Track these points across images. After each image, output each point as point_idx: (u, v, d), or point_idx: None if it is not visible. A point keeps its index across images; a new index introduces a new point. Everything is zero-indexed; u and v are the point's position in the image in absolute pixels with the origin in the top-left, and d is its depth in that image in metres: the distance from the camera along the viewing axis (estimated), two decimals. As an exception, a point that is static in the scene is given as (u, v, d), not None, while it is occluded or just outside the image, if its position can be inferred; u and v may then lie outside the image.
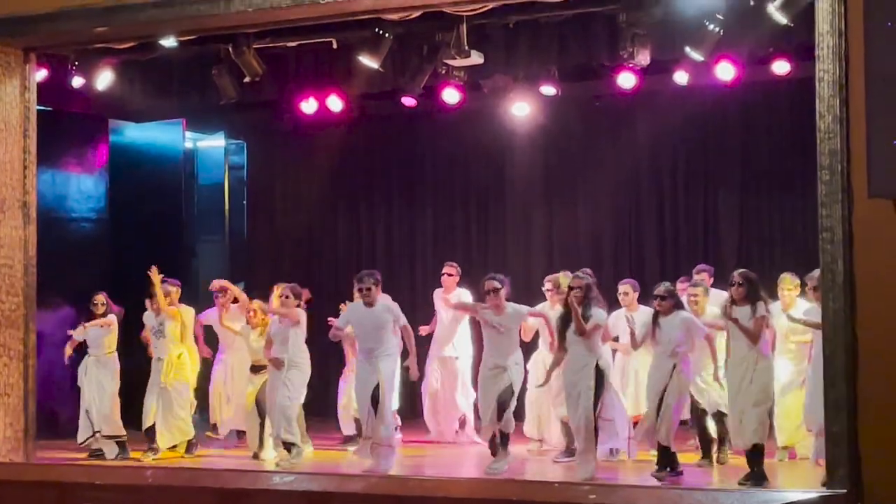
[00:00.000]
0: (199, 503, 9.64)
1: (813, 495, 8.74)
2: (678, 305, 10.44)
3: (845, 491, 8.57)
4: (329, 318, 11.98)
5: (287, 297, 11.62)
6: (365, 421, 11.13)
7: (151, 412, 12.19)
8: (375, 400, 10.88)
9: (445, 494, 9.30)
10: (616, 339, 11.52)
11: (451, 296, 12.82)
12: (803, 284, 10.80)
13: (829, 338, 8.81)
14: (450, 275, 13.01)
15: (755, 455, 9.84)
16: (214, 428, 13.01)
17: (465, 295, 12.73)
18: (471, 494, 9.36)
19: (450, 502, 9.05)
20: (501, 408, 10.55)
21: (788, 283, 11.06)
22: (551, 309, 11.55)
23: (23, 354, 11.56)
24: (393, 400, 11.61)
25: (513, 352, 10.74)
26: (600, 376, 10.29)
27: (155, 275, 12.19)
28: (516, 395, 10.72)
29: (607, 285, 11.91)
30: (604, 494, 8.94)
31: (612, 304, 11.39)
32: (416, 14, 10.89)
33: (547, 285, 11.88)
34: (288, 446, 11.53)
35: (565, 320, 10.41)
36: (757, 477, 9.72)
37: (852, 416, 8.72)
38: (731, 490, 9.10)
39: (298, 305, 11.66)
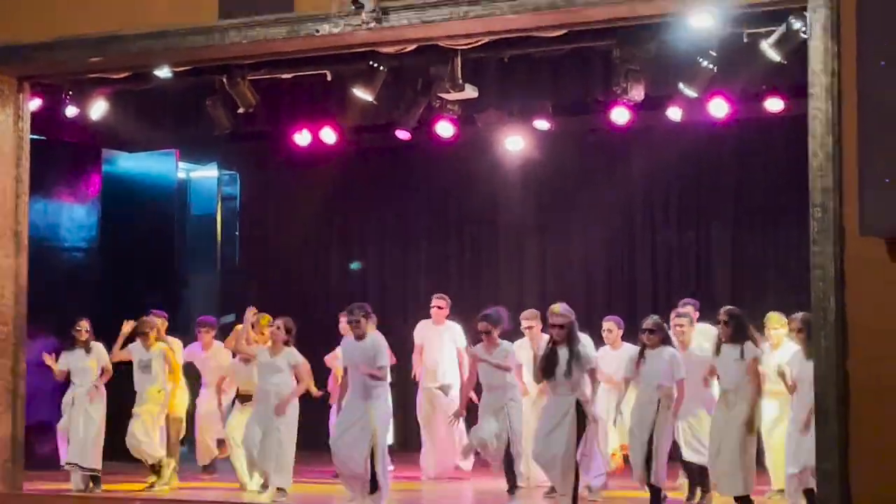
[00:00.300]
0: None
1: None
2: (666, 340, 10.36)
3: (836, 529, 8.53)
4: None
5: (278, 328, 11.55)
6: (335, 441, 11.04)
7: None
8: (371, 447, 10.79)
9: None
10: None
11: (443, 328, 12.80)
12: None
13: (821, 375, 8.80)
14: (439, 307, 12.97)
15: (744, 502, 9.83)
16: (207, 469, 12.94)
17: (458, 331, 12.72)
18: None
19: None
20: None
21: (776, 321, 10.92)
22: (532, 345, 11.51)
23: (12, 384, 11.51)
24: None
25: (509, 389, 10.81)
26: (581, 413, 10.19)
27: (127, 326, 12.17)
28: (519, 433, 10.76)
29: (599, 318, 11.91)
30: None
31: (597, 339, 11.38)
32: (411, 47, 10.92)
33: (525, 323, 11.82)
34: (280, 489, 11.46)
35: (550, 360, 10.25)
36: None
37: (843, 455, 8.69)
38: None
39: (287, 342, 11.57)
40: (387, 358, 10.96)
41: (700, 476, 10.63)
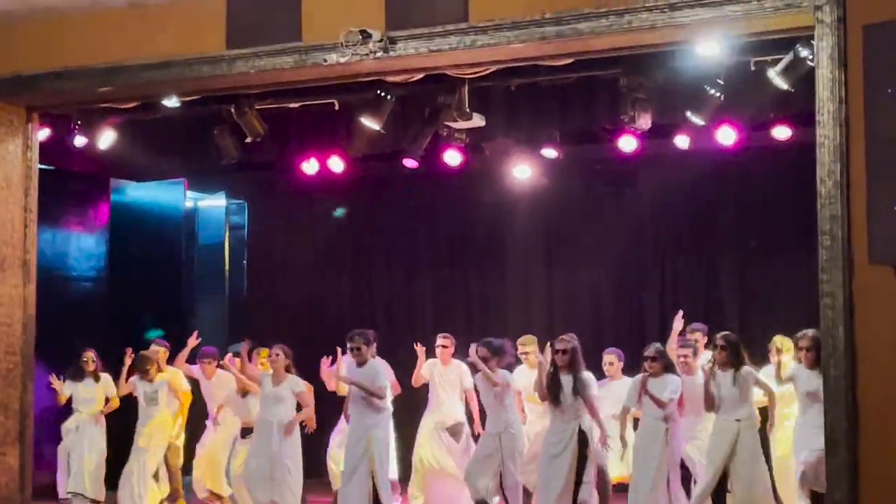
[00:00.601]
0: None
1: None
2: (668, 368, 10.36)
3: (847, 559, 8.48)
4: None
5: (277, 355, 11.55)
6: (343, 485, 11.00)
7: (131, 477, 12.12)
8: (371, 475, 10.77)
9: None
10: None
11: (449, 368, 12.67)
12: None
13: (830, 405, 8.76)
14: (444, 346, 12.74)
15: None
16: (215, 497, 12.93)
17: (465, 370, 12.64)
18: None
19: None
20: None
21: (780, 343, 10.96)
22: (531, 370, 11.52)
23: (20, 414, 11.50)
24: (391, 468, 11.55)
25: (508, 417, 10.77)
26: (584, 439, 10.21)
27: (129, 358, 12.16)
28: (517, 461, 10.70)
29: (607, 347, 11.90)
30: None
31: (598, 373, 11.37)
32: (419, 76, 10.93)
33: (521, 349, 11.81)
34: None
35: (553, 385, 10.28)
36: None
37: (853, 484, 8.65)
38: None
39: (287, 367, 11.57)
40: (384, 379, 11.00)
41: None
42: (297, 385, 11.53)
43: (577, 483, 10.16)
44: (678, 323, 11.50)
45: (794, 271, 13.83)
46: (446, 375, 12.68)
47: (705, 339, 11.56)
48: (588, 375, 10.31)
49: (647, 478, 10.08)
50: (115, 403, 12.16)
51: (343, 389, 12.11)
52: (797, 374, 10.11)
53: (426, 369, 12.75)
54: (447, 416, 12.62)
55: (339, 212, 15.84)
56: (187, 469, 13.05)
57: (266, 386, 11.54)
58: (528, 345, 11.75)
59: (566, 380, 10.15)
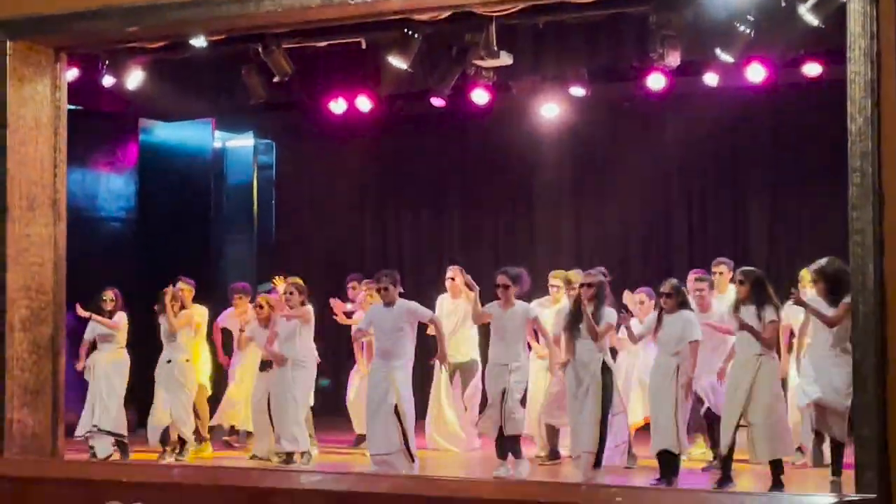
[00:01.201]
0: (225, 501, 9.65)
1: (842, 499, 8.68)
2: (683, 304, 10.34)
3: (875, 496, 8.50)
4: (332, 300, 12.00)
5: (291, 293, 11.63)
6: (368, 426, 11.07)
7: (161, 414, 12.19)
8: (396, 412, 10.82)
9: (474, 495, 9.27)
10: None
11: (459, 302, 12.60)
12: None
13: (859, 341, 8.75)
14: (453, 279, 12.66)
15: (775, 468, 9.77)
16: (232, 431, 13.00)
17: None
18: (499, 496, 9.31)
19: (477, 503, 9.03)
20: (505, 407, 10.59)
21: (808, 278, 10.94)
22: (554, 305, 11.54)
23: (52, 352, 11.61)
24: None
25: (519, 351, 10.74)
26: (608, 374, 10.25)
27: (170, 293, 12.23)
28: (520, 395, 10.72)
29: (636, 284, 11.90)
30: (630, 497, 8.90)
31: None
32: (446, 14, 10.87)
33: (553, 281, 11.82)
34: (289, 454, 11.53)
35: (576, 317, 10.33)
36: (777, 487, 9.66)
37: (882, 421, 8.65)
38: (758, 494, 9.05)
39: (303, 302, 11.67)
40: (428, 310, 11.03)
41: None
42: (306, 314, 11.69)
43: (605, 415, 10.23)
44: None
45: (824, 208, 13.76)
46: (456, 310, 12.61)
47: (731, 274, 11.52)
48: (609, 310, 10.33)
49: (668, 415, 10.11)
50: (123, 343, 12.29)
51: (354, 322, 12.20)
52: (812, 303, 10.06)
53: (437, 305, 12.61)
54: (457, 353, 12.52)
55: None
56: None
57: (279, 322, 11.65)
58: (559, 279, 11.80)
59: (588, 311, 10.20)
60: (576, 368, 10.34)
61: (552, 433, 11.61)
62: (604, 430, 10.22)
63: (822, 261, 9.83)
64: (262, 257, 17.00)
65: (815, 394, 9.65)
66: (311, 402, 12.07)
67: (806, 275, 10.95)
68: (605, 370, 10.27)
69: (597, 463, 10.26)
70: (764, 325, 9.80)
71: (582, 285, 10.41)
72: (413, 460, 10.71)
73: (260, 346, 12.14)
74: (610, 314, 10.32)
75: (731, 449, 9.89)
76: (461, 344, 12.58)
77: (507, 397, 10.54)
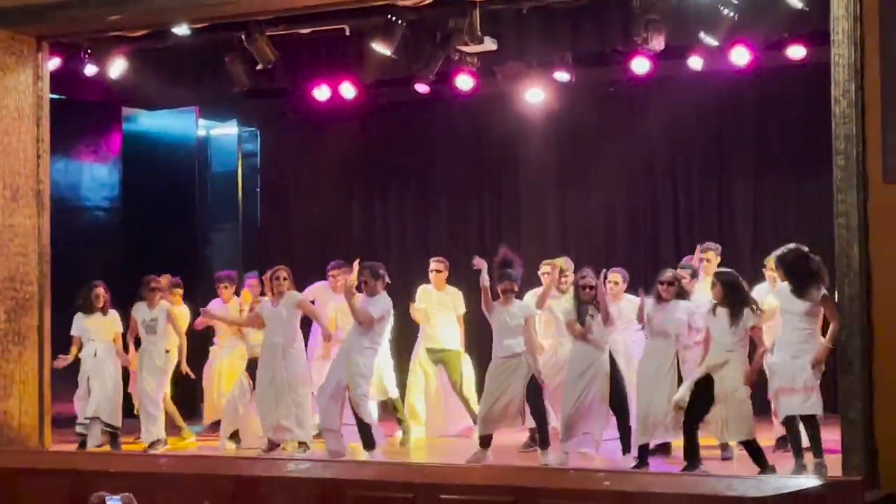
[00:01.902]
0: (213, 490, 9.64)
1: (827, 481, 8.71)
2: (682, 294, 10.40)
3: (860, 478, 8.54)
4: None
5: (276, 279, 11.63)
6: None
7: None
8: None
9: (461, 481, 9.29)
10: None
11: (443, 294, 12.62)
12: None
13: (845, 324, 8.78)
14: (438, 271, 12.64)
15: (750, 449, 9.78)
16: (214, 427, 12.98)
17: (458, 297, 12.62)
18: (487, 481, 9.34)
19: (465, 489, 9.04)
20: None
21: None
22: (548, 290, 11.60)
23: (38, 343, 11.59)
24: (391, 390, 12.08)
25: (521, 344, 10.82)
26: (614, 363, 10.44)
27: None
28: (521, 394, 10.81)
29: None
30: (618, 481, 8.93)
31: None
32: (429, 0, 10.87)
33: (544, 268, 11.84)
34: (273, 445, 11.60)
35: (582, 313, 10.50)
36: (763, 468, 9.65)
37: (868, 403, 8.69)
38: (746, 477, 9.06)
39: (289, 289, 11.69)
40: (378, 311, 11.06)
41: None
42: (294, 297, 11.66)
43: (620, 408, 10.38)
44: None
45: (808, 191, 13.79)
46: (441, 300, 12.60)
47: (718, 259, 11.52)
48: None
49: (662, 400, 10.14)
50: (119, 342, 12.26)
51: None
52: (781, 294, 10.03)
53: (419, 296, 12.67)
54: (443, 342, 12.58)
55: None
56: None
57: (265, 309, 11.61)
58: (551, 266, 11.85)
59: (592, 311, 10.40)
60: (575, 361, 10.48)
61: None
62: (624, 417, 10.32)
63: (782, 249, 9.75)
64: (247, 245, 16.95)
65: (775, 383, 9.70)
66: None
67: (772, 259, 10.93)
68: (613, 362, 10.46)
69: (625, 449, 10.42)
70: (736, 329, 9.76)
71: (584, 287, 10.52)
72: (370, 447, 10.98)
73: (247, 339, 12.10)
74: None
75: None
76: (447, 334, 12.59)
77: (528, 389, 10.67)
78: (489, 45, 11.91)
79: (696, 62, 12.86)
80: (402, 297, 12.61)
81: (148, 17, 11.13)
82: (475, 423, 12.06)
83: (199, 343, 13.07)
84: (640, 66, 12.82)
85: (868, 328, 8.68)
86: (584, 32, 12.41)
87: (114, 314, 12.26)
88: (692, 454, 9.85)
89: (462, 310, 12.60)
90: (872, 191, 8.64)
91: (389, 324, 11.54)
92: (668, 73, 13.45)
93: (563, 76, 13.38)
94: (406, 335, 13.05)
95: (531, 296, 11.71)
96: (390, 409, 12.47)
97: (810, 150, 13.32)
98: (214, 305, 12.91)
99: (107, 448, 12.03)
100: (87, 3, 10.80)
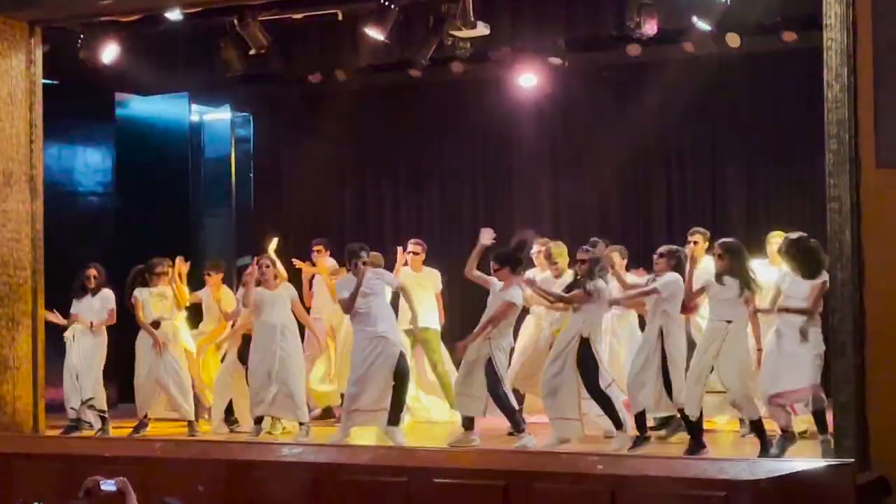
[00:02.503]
0: (208, 475, 9.66)
1: (820, 464, 8.75)
2: (677, 267, 10.30)
3: (853, 460, 8.57)
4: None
5: (267, 265, 11.68)
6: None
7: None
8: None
9: (454, 465, 9.31)
10: None
11: (422, 276, 12.70)
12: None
13: (837, 307, 8.81)
14: (416, 253, 12.74)
15: (758, 432, 9.80)
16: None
17: (436, 277, 12.69)
18: (479, 465, 9.36)
19: (458, 473, 9.06)
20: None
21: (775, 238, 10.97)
22: (541, 273, 11.59)
23: (31, 328, 11.59)
24: None
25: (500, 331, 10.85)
26: (585, 346, 10.31)
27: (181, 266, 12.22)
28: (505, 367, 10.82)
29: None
30: (611, 464, 8.96)
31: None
32: (422, -15, 10.88)
33: (535, 247, 11.85)
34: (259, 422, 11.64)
35: (569, 290, 10.50)
36: (764, 447, 9.70)
37: (860, 386, 8.72)
38: (738, 459, 9.10)
39: (275, 276, 11.73)
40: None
41: None
42: (291, 291, 11.73)
43: (591, 389, 10.31)
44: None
45: (801, 176, 13.80)
46: (419, 281, 12.63)
47: (707, 244, 11.49)
48: (601, 284, 10.38)
49: (651, 376, 10.14)
50: (113, 319, 12.23)
51: None
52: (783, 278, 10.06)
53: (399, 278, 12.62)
54: (423, 321, 12.46)
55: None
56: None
57: (263, 292, 11.64)
58: (543, 246, 11.85)
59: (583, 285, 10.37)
60: (560, 338, 10.49)
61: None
62: (605, 399, 10.28)
63: (793, 234, 9.82)
64: (240, 231, 16.96)
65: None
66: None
67: (774, 235, 10.98)
68: (584, 342, 10.31)
69: (617, 425, 10.30)
70: (742, 299, 9.81)
71: (577, 261, 10.53)
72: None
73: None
74: (597, 286, 10.35)
75: (700, 415, 9.94)
76: (426, 315, 12.57)
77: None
78: (482, 29, 11.90)
79: (688, 47, 12.87)
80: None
81: (140, 2, 11.13)
82: (451, 406, 12.25)
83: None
84: (634, 50, 12.84)
85: (860, 312, 8.71)
86: (576, 17, 12.42)
87: (106, 293, 12.22)
88: (696, 434, 9.86)
89: (440, 286, 12.64)
90: (865, 175, 8.66)
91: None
92: (662, 57, 13.47)
93: (556, 61, 13.39)
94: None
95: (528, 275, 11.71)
96: None
97: (803, 134, 13.33)
98: (202, 293, 12.92)
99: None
100: (80, -13, 10.79)
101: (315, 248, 13.05)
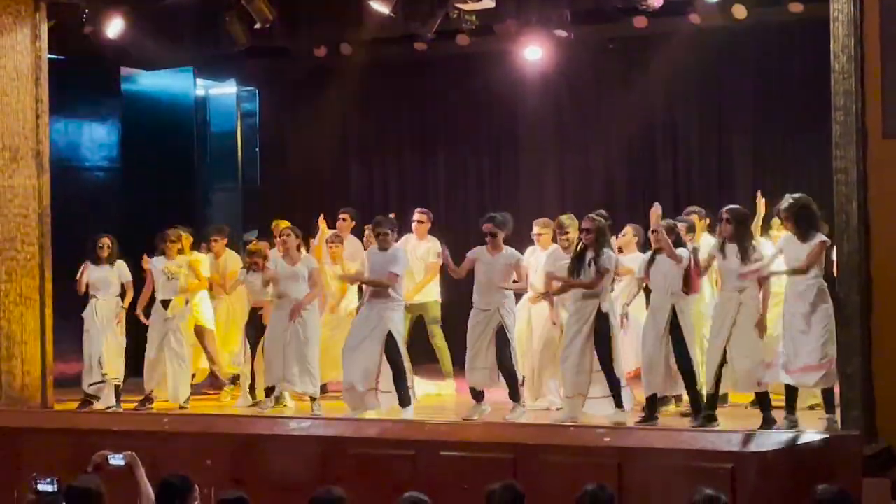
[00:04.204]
0: (216, 449, 9.71)
1: (826, 436, 8.76)
2: (677, 243, 10.16)
3: (858, 432, 8.60)
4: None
5: (288, 235, 11.65)
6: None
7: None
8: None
9: (461, 438, 9.34)
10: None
11: (423, 244, 12.57)
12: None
13: (843, 279, 8.81)
14: (420, 221, 12.64)
15: (761, 402, 9.73)
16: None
17: (433, 246, 12.46)
18: (486, 438, 9.39)
19: (465, 446, 9.09)
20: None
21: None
22: (542, 252, 11.48)
23: (39, 303, 11.63)
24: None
25: (506, 295, 10.72)
26: (603, 319, 10.16)
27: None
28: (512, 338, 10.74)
29: (619, 228, 11.87)
30: (618, 437, 8.98)
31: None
32: (427, -42, 10.84)
33: (536, 229, 11.74)
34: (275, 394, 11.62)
35: (577, 264, 10.28)
36: (767, 422, 9.61)
37: (866, 358, 8.73)
38: (745, 431, 9.09)
39: (298, 247, 11.69)
40: (400, 267, 10.98)
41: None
42: (312, 263, 11.68)
43: (604, 363, 10.18)
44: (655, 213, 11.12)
45: (808, 147, 13.77)
46: (417, 251, 12.52)
47: (701, 222, 11.36)
48: (609, 254, 10.26)
49: (660, 355, 10.04)
50: (131, 290, 12.19)
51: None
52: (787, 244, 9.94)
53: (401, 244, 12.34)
54: (424, 294, 12.52)
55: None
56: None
57: (281, 266, 11.61)
58: (541, 227, 11.71)
59: (588, 256, 10.16)
60: (574, 315, 10.33)
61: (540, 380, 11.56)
62: (611, 373, 10.17)
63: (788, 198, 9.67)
64: (247, 205, 16.97)
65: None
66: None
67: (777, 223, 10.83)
68: (601, 317, 10.19)
69: (618, 404, 10.14)
70: (748, 263, 9.70)
71: (581, 230, 10.36)
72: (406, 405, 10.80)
73: (253, 294, 12.08)
74: (609, 258, 10.25)
75: (717, 386, 9.84)
76: (430, 286, 12.56)
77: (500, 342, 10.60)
78: (487, 2, 11.87)
79: (695, 18, 12.83)
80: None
81: (145, -23, 11.10)
82: (445, 377, 12.31)
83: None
84: (640, 22, 12.80)
85: (867, 283, 8.71)
86: (582, -12, 12.39)
87: (120, 264, 12.19)
88: (710, 405, 9.83)
89: (431, 259, 12.42)
90: (871, 146, 8.66)
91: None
92: (668, 29, 13.42)
93: (562, 33, 13.34)
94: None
95: (529, 253, 11.64)
96: None
97: (810, 105, 13.30)
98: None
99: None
100: (84, -38, 10.77)
101: (342, 216, 13.00)
